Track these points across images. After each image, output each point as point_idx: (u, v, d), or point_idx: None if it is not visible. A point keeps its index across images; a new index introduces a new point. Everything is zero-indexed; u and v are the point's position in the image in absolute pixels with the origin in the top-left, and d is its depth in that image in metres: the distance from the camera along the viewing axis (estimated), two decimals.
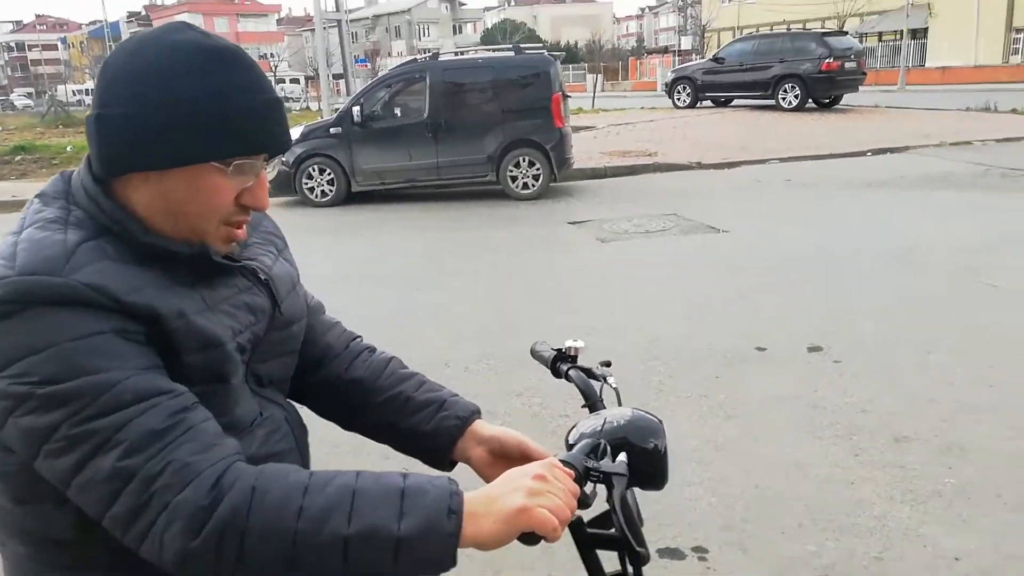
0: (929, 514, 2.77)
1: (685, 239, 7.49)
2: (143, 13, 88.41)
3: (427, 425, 1.17)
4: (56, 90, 46.61)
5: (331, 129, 10.21)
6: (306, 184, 10.19)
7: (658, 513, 2.79)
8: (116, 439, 0.83)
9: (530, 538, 0.84)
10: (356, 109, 10.04)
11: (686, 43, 48.34)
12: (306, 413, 1.20)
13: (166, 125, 0.91)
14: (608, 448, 0.94)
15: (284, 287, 1.12)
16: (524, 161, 10.01)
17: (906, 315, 4.91)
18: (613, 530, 0.93)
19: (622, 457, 0.92)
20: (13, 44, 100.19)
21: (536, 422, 3.70)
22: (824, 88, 17.81)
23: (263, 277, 1.08)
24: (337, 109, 12.18)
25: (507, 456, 1.15)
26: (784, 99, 17.87)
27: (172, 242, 0.96)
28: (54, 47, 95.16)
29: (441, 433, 1.17)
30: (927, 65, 36.39)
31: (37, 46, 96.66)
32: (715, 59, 19.75)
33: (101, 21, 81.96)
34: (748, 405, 3.74)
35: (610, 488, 0.88)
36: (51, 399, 0.82)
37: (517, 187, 10.07)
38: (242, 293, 1.04)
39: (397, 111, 10.45)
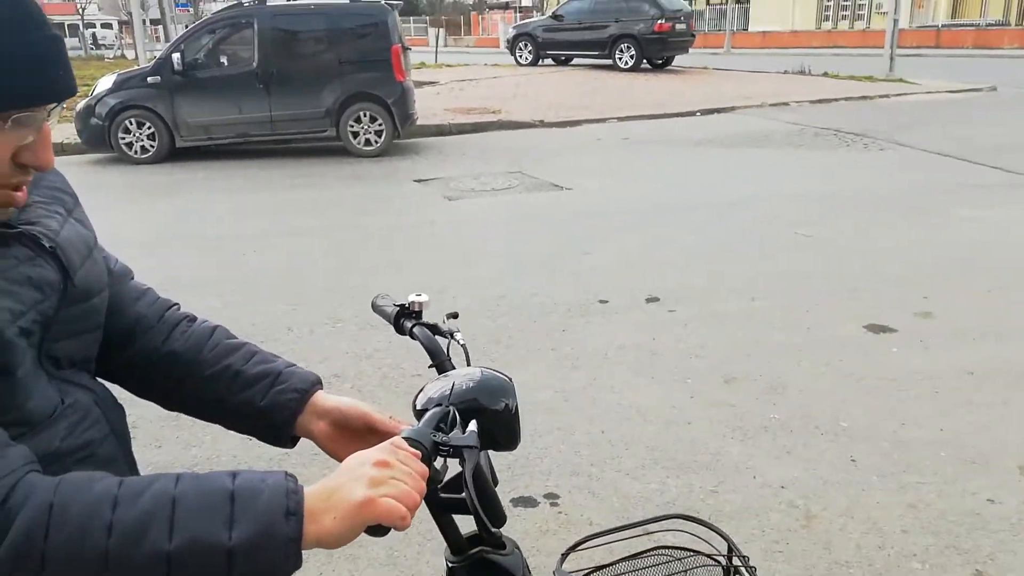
0: (758, 448, 2.99)
1: (530, 196, 7.58)
2: None
3: (261, 400, 1.04)
4: None
5: (148, 78, 9.39)
6: (123, 139, 9.35)
7: (511, 463, 2.83)
8: None
9: (377, 530, 0.75)
10: (176, 56, 9.27)
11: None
12: (122, 394, 1.06)
13: None
14: (457, 416, 0.89)
15: (77, 254, 0.95)
16: (365, 116, 9.69)
17: (731, 265, 5.24)
18: None
19: (472, 427, 0.87)
20: None
21: (386, 383, 3.62)
22: (657, 49, 18.50)
23: (48, 245, 0.90)
24: (155, 57, 11.20)
25: (350, 428, 1.05)
26: (621, 59, 18.41)
27: None
28: None
29: (278, 408, 1.04)
30: (750, 29, 38.83)
31: None
32: (555, 16, 19.95)
33: None
34: (593, 355, 3.85)
35: (462, 462, 0.83)
36: None
37: (359, 143, 9.75)
38: (21, 265, 0.87)
39: (224, 60, 9.76)
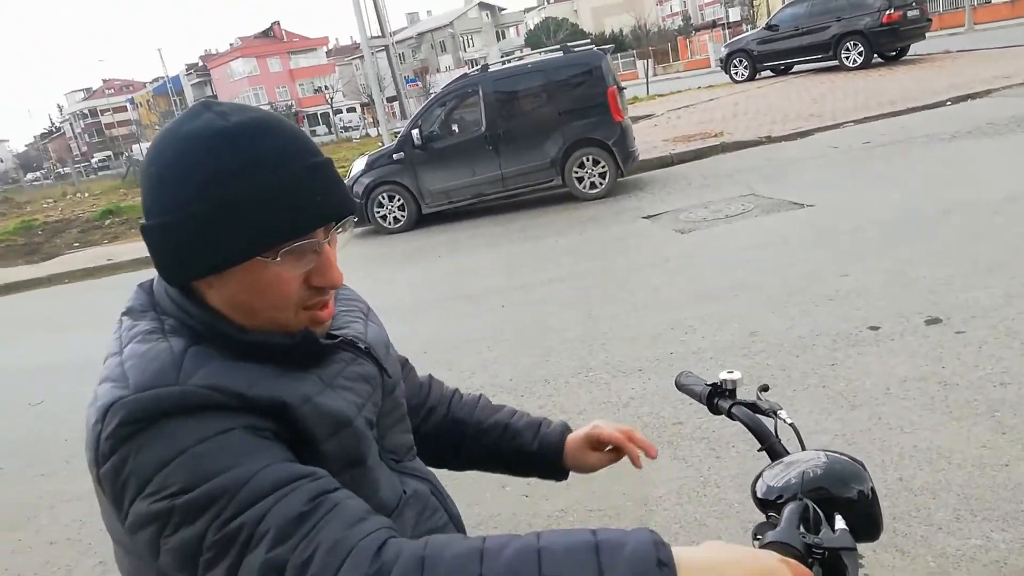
0: None
1: (767, 219, 7.23)
2: (200, 64, 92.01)
3: (532, 445, 1.27)
4: (132, 150, 48.86)
5: (394, 155, 10.31)
6: (378, 212, 10.33)
7: None
8: (259, 532, 0.76)
9: None
10: (415, 132, 10.12)
11: (734, 15, 47.07)
12: None
13: (194, 231, 0.85)
14: (820, 512, 0.83)
15: (381, 351, 1.08)
16: (588, 160, 9.88)
17: (1023, 271, 4.58)
18: None
19: (841, 523, 0.81)
20: (87, 111, 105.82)
21: (646, 432, 3.58)
22: (888, 41, 17.00)
23: (363, 346, 1.03)
24: (396, 132, 12.31)
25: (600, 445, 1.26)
26: (848, 58, 17.16)
27: (272, 335, 0.91)
28: (124, 108, 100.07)
29: (547, 448, 1.27)
30: (993, 1, 34.44)
31: (108, 110, 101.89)
32: (768, 27, 19.14)
33: (163, 77, 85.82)
34: (871, 391, 3.53)
35: (843, 570, 0.77)
36: (190, 508, 0.78)
37: (584, 187, 9.95)
38: (350, 365, 0.99)
39: (455, 128, 10.47)
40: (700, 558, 0.74)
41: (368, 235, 10.61)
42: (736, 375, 1.19)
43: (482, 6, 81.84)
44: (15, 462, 4.80)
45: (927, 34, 17.98)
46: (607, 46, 10.72)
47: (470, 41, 78.99)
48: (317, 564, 0.75)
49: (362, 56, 20.71)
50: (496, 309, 6.09)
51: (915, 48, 18.11)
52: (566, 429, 1.28)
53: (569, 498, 3.11)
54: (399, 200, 10.30)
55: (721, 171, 10.13)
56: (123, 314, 0.96)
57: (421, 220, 10.43)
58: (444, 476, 1.19)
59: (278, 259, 0.87)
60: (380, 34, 18.12)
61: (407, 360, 1.30)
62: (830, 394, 3.58)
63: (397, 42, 26.81)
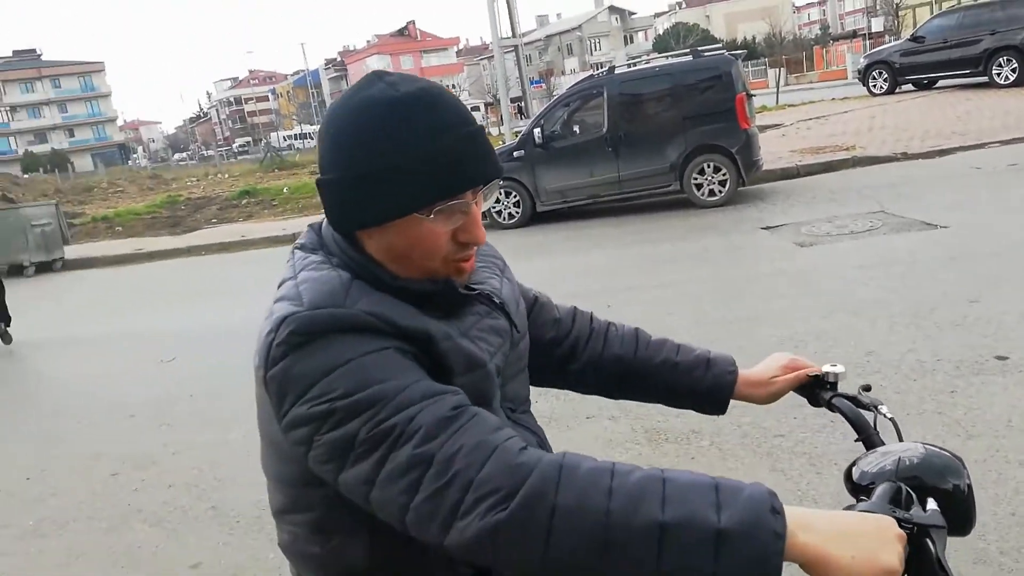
0: None
1: (896, 238, 6.89)
2: (339, 60, 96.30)
3: (704, 383, 1.29)
4: (270, 137, 51.77)
5: (515, 153, 10.49)
6: (493, 208, 10.53)
7: None
8: (409, 430, 0.85)
9: None
10: (537, 131, 10.26)
11: (877, 25, 44.76)
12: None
13: (362, 188, 0.96)
14: (912, 494, 0.84)
15: (513, 306, 1.17)
16: (709, 167, 9.72)
17: None
18: None
19: (933, 504, 0.82)
20: (232, 99, 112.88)
21: (746, 442, 3.54)
22: None
23: (497, 300, 1.13)
24: (518, 132, 12.50)
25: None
26: (999, 74, 16.03)
27: (419, 282, 1.01)
28: (266, 98, 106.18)
29: (720, 387, 1.29)
30: None
31: (252, 99, 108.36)
32: (914, 39, 18.12)
33: (304, 70, 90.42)
34: (992, 422, 3.34)
35: (931, 543, 0.78)
36: (350, 410, 0.88)
37: (703, 194, 9.79)
38: (484, 318, 1.09)
39: (576, 129, 10.54)
40: (812, 513, 0.78)
41: None
42: (840, 368, 1.20)
43: (612, 10, 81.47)
44: (146, 411, 5.26)
45: None
46: (738, 52, 10.49)
47: (597, 45, 78.77)
48: (462, 458, 0.83)
49: (490, 56, 21.15)
50: (601, 308, 6.09)
51: None
52: (734, 364, 1.31)
53: None
54: (515, 196, 10.47)
55: (850, 186, 9.72)
56: (295, 248, 1.09)
57: (535, 217, 10.55)
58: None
59: (432, 216, 0.97)
60: (511, 35, 18.40)
61: (538, 296, 1.38)
62: (947, 421, 3.41)
63: (526, 44, 27.15)
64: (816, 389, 1.20)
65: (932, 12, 18.83)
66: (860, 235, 7.18)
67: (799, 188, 10.25)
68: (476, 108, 57.85)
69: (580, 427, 3.93)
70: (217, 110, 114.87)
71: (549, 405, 4.10)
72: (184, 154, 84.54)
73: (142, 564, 3.33)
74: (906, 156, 11.01)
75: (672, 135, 9.78)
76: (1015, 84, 15.80)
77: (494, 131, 29.97)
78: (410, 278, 1.01)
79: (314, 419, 0.89)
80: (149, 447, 4.59)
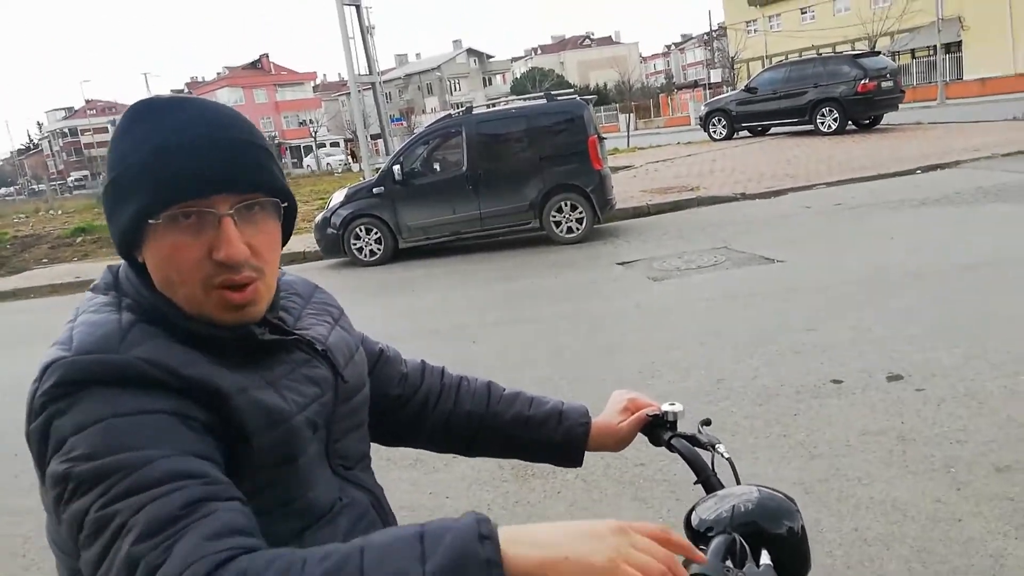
0: None
1: (739, 272, 7.34)
2: (186, 91, 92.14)
3: (556, 437, 1.26)
4: None
5: (374, 189, 10.36)
6: (354, 244, 10.33)
7: None
8: (130, 523, 0.75)
9: None
10: (396, 168, 10.19)
11: (715, 76, 48.34)
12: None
13: (110, 198, 0.92)
14: (746, 546, 0.83)
15: (343, 356, 1.09)
16: (566, 206, 10.01)
17: (983, 335, 4.69)
18: None
19: (766, 559, 0.82)
20: (67, 130, 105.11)
21: (610, 473, 3.57)
22: (862, 109, 17.58)
23: (320, 348, 1.04)
24: (378, 168, 12.38)
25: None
26: (823, 123, 17.69)
27: (215, 327, 0.92)
28: (104, 130, 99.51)
29: (573, 440, 1.26)
30: (965, 78, 35.79)
31: (89, 130, 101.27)
32: (747, 89, 19.70)
33: None
34: (832, 442, 3.56)
35: None
36: (85, 478, 0.77)
37: (561, 231, 10.06)
38: (300, 367, 1.00)
39: (436, 166, 10.57)
40: (534, 527, 0.75)
41: (343, 266, 10.58)
42: (678, 407, 1.18)
43: (470, 52, 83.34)
44: None
45: (900, 105, 18.63)
46: (590, 97, 10.94)
47: (457, 85, 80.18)
48: (165, 570, 0.73)
49: (348, 93, 20.94)
50: (466, 345, 6.08)
51: (888, 118, 18.74)
52: (588, 415, 1.28)
53: None
54: (376, 233, 10.31)
55: (696, 224, 10.31)
56: (89, 289, 0.99)
57: (397, 255, 10.44)
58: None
59: (159, 220, 0.88)
60: (368, 72, 18.31)
61: (384, 349, 1.30)
62: (791, 443, 3.61)
63: (385, 81, 27.12)
64: (656, 429, 1.19)
65: (763, 66, 20.59)
66: (707, 269, 7.59)
67: (650, 226, 10.75)
68: (335, 144, 57.02)
69: (447, 468, 3.84)
70: (50, 142, 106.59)
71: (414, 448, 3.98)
72: (11, 189, 77.69)
73: None
74: (745, 196, 11.84)
75: (530, 174, 10.01)
76: (836, 132, 17.48)
77: (354, 167, 29.59)
78: (203, 320, 0.91)
79: (56, 481, 0.80)
80: None
